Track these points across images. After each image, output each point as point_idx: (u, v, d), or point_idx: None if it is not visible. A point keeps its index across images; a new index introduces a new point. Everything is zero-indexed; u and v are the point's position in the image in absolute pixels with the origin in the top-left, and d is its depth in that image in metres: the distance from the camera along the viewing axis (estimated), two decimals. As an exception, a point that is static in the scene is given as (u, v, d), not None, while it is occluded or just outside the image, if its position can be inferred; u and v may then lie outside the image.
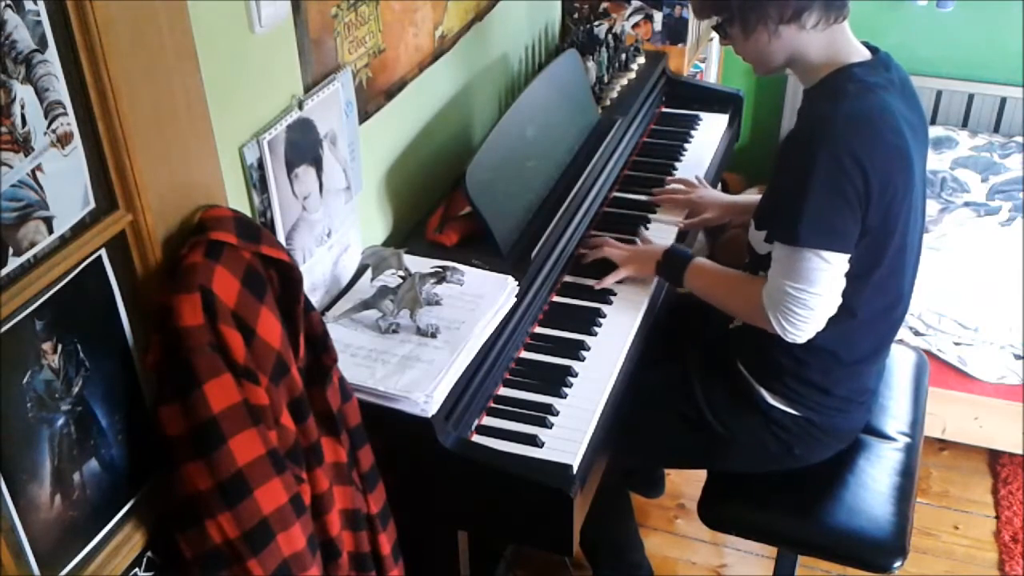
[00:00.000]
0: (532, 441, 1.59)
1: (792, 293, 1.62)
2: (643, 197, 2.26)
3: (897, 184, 1.59)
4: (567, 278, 1.99)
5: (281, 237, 1.52)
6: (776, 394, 1.79)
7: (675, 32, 2.76)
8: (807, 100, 1.71)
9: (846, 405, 1.80)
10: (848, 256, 1.61)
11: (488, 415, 1.65)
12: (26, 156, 1.00)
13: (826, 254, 1.59)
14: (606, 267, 1.97)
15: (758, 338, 1.74)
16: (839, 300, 1.64)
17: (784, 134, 3.57)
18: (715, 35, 1.79)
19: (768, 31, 1.63)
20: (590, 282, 1.95)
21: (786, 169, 1.65)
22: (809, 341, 1.68)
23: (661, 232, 2.15)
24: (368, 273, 1.75)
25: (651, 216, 2.20)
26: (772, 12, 1.61)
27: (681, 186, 2.26)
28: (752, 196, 2.26)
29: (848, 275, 1.64)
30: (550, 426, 1.63)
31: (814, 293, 1.61)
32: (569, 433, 1.61)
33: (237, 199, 1.41)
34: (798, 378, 1.76)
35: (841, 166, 1.54)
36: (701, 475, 1.95)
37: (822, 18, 1.61)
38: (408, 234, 1.97)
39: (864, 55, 1.67)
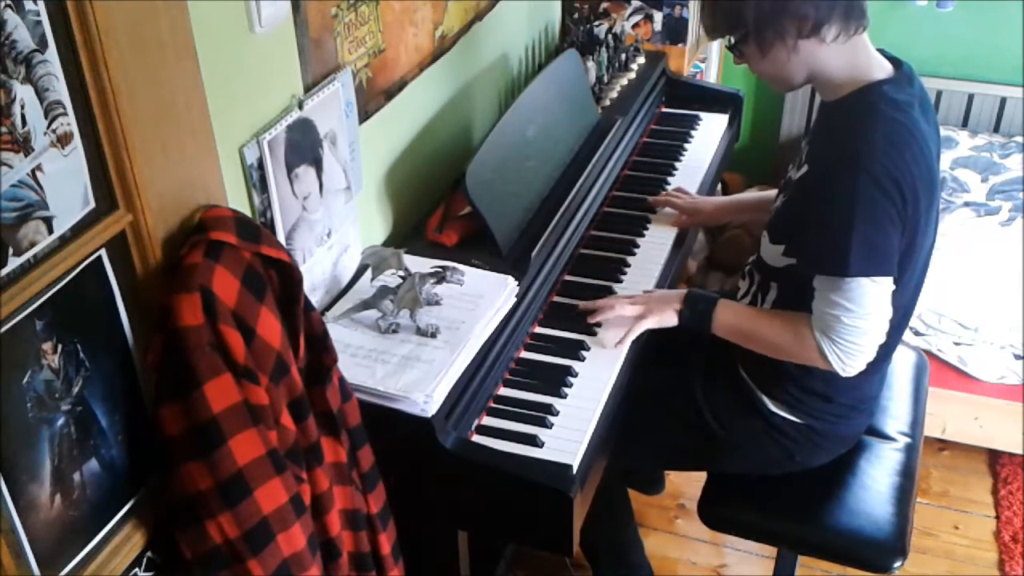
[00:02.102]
0: (532, 441, 1.59)
1: (846, 322, 1.58)
2: (643, 197, 2.26)
3: (924, 203, 1.58)
4: (567, 278, 1.99)
5: (281, 237, 1.52)
6: (778, 401, 1.78)
7: (675, 32, 2.76)
8: (830, 116, 1.67)
9: (848, 412, 1.80)
10: (893, 278, 1.58)
11: (488, 415, 1.65)
12: (26, 156, 1.00)
13: (876, 279, 1.56)
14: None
15: None
16: (887, 326, 1.61)
17: (784, 134, 3.57)
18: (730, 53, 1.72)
19: (787, 47, 1.57)
20: (607, 343, 1.79)
21: (826, 196, 1.59)
22: None
23: (661, 233, 2.14)
24: (368, 273, 1.75)
25: (651, 216, 2.20)
26: (790, 27, 1.55)
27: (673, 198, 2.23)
28: (744, 195, 2.26)
29: None
30: (550, 426, 1.63)
31: (867, 319, 1.58)
32: (569, 433, 1.61)
33: (237, 199, 1.41)
34: (801, 386, 1.75)
35: (882, 187, 1.51)
36: (701, 475, 1.95)
37: (842, 31, 1.55)
38: (408, 234, 1.97)
39: (887, 68, 1.62)
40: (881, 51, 1.66)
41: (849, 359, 1.62)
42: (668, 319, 1.80)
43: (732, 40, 1.63)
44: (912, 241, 1.59)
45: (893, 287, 1.59)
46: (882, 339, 1.62)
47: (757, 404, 1.80)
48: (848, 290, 1.57)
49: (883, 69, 1.62)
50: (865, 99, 1.59)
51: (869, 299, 1.57)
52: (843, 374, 1.64)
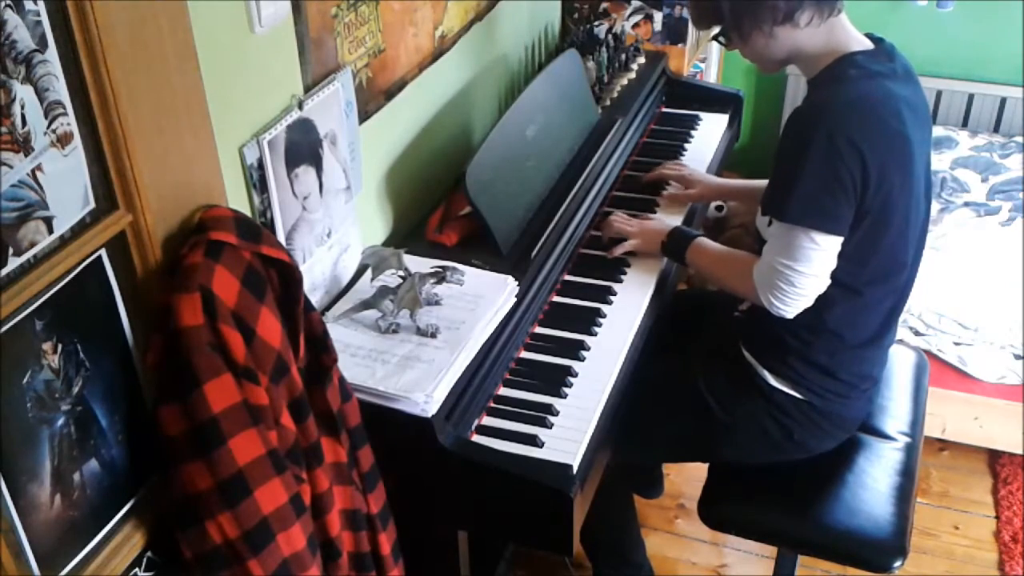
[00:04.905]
0: (532, 441, 1.59)
1: (780, 270, 1.65)
2: (643, 197, 2.26)
3: (895, 169, 1.61)
4: (567, 278, 1.99)
5: (281, 237, 1.52)
6: (779, 376, 1.79)
7: (675, 32, 2.76)
8: (810, 88, 1.73)
9: (848, 390, 1.81)
10: (840, 239, 1.63)
11: (488, 415, 1.65)
12: (26, 156, 1.00)
13: (816, 235, 1.61)
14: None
15: (765, 320, 1.74)
16: (828, 281, 1.67)
17: (784, 134, 3.57)
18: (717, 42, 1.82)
19: (763, 34, 1.66)
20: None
21: (784, 149, 1.67)
22: (816, 322, 1.71)
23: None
24: (368, 273, 1.75)
25: (652, 216, 2.19)
26: (764, 16, 1.64)
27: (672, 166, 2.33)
28: (743, 182, 2.28)
29: (849, 257, 1.65)
30: (550, 426, 1.63)
31: (801, 271, 1.64)
32: (569, 433, 1.61)
33: (237, 199, 1.41)
34: (803, 359, 1.77)
35: (837, 149, 1.56)
36: (701, 475, 1.95)
37: (815, 15, 1.63)
38: (408, 234, 1.97)
39: (866, 44, 1.69)
40: (867, 35, 1.71)
41: (778, 303, 1.69)
42: (652, 249, 2.00)
43: (718, 29, 1.75)
44: (885, 205, 1.62)
45: (837, 247, 1.64)
46: (819, 290, 1.68)
47: (757, 381, 1.81)
48: (788, 239, 1.64)
49: (861, 44, 1.69)
50: (836, 67, 1.67)
51: (807, 253, 1.63)
52: (774, 313, 1.71)
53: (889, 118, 1.60)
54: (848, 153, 1.56)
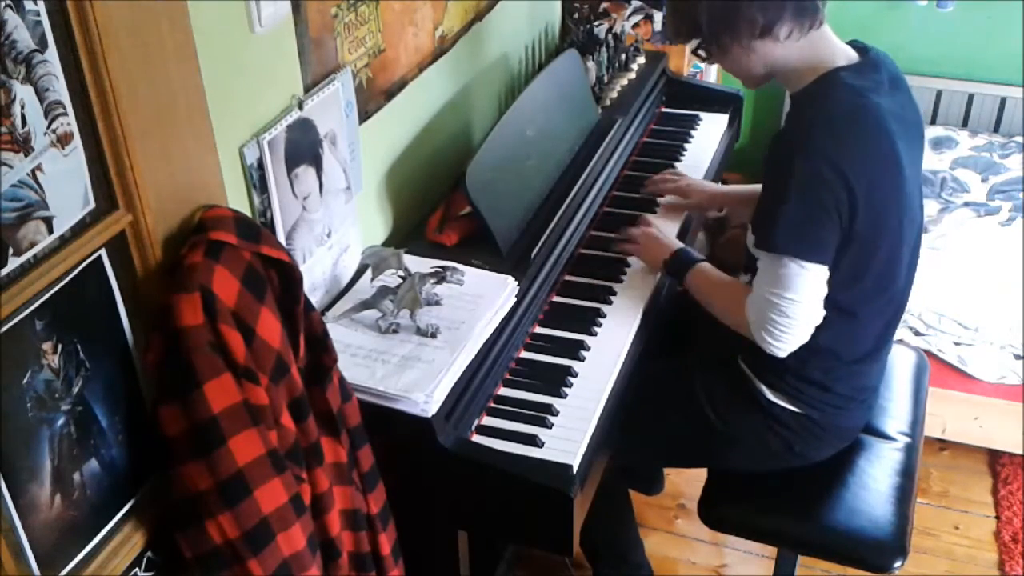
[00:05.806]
0: (532, 441, 1.59)
1: (771, 300, 1.62)
2: (643, 197, 2.26)
3: (885, 188, 1.59)
4: (567, 278, 1.99)
5: (281, 237, 1.52)
6: (777, 391, 1.79)
7: (675, 32, 2.76)
8: (794, 106, 1.70)
9: (847, 403, 1.80)
10: (826, 267, 1.61)
11: (488, 415, 1.65)
12: (26, 156, 1.00)
13: (804, 263, 1.59)
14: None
15: None
16: (821, 311, 1.64)
17: (784, 134, 3.57)
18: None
19: (742, 47, 1.63)
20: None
21: (768, 175, 1.65)
22: (811, 341, 1.67)
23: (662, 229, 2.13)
24: (368, 273, 1.75)
25: (651, 216, 2.19)
26: (743, 30, 1.61)
27: (670, 178, 2.29)
28: (740, 187, 2.28)
29: (841, 279, 1.63)
30: (550, 426, 1.63)
31: (792, 299, 1.61)
32: (569, 433, 1.61)
33: (237, 199, 1.42)
34: (799, 376, 1.76)
35: (820, 175, 1.54)
36: (701, 475, 1.95)
37: (795, 28, 1.60)
38: (408, 234, 1.97)
39: (850, 56, 1.65)
40: (852, 42, 1.68)
41: (772, 338, 1.65)
42: (654, 265, 1.98)
43: (696, 43, 1.71)
44: (875, 225, 1.60)
45: (826, 275, 1.62)
46: (814, 321, 1.65)
47: (755, 395, 1.80)
48: (775, 269, 1.61)
49: (846, 57, 1.65)
50: (820, 85, 1.63)
51: (795, 282, 1.60)
52: (770, 352, 1.67)
53: (876, 137, 1.57)
54: (831, 178, 1.53)
